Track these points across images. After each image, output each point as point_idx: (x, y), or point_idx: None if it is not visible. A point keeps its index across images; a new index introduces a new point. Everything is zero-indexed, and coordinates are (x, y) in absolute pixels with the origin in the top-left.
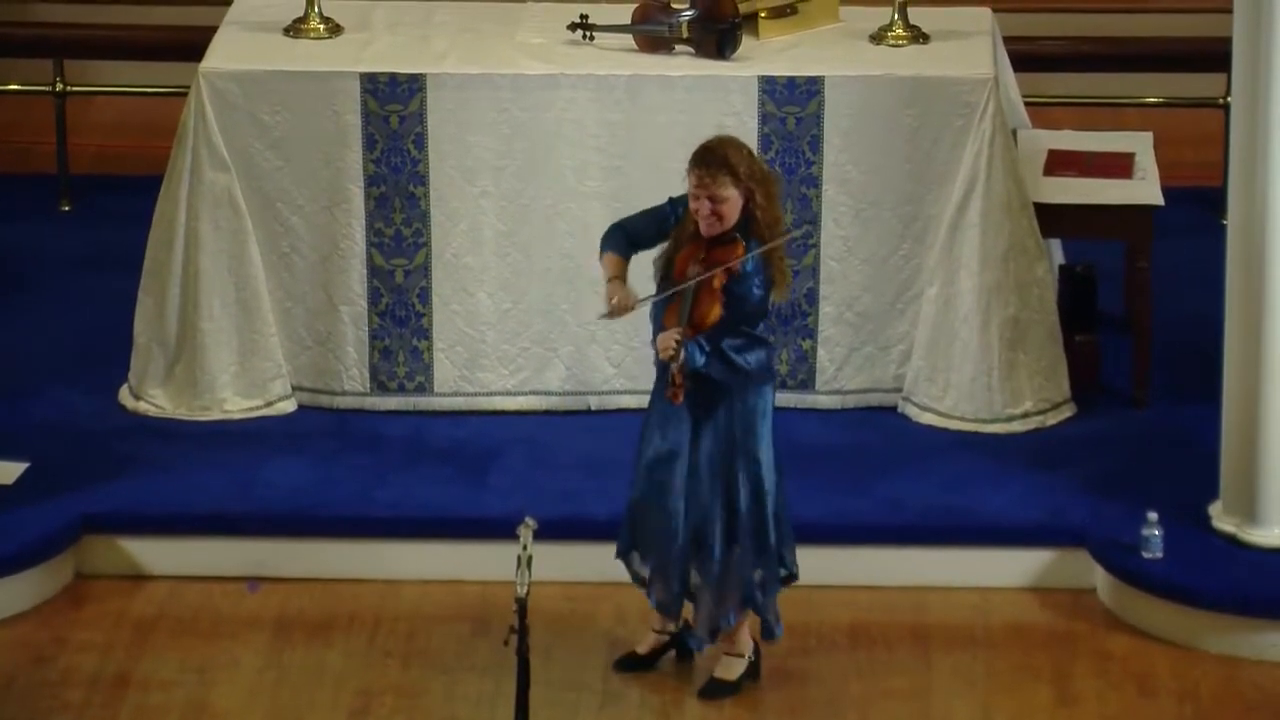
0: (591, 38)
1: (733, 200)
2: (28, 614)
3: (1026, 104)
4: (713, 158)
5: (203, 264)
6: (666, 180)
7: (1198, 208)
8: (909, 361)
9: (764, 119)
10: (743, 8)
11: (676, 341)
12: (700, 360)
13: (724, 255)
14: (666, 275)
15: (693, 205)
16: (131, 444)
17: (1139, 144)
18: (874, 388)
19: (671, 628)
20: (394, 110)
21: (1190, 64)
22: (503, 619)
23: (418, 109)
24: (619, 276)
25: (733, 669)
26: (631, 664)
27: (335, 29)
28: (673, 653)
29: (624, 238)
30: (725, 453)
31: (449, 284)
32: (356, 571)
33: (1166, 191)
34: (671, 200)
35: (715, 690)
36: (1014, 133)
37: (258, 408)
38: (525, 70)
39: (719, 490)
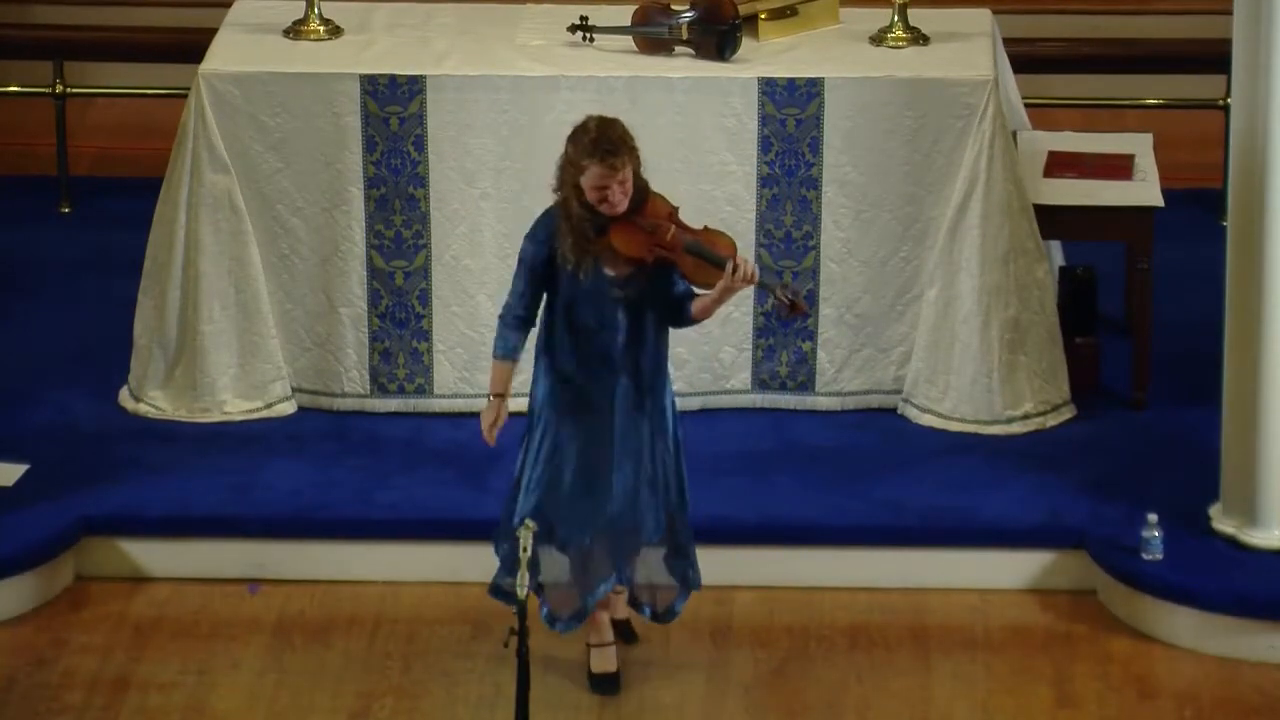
0: (591, 39)
1: (631, 175)
2: (27, 616)
3: (1026, 105)
4: (614, 142)
5: (203, 266)
6: (666, 181)
7: (1198, 209)
8: (909, 363)
9: (764, 121)
10: (742, 9)
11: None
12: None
13: (655, 208)
14: (616, 270)
15: (597, 195)
16: (131, 446)
17: (1139, 145)
18: (874, 389)
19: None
20: (394, 112)
21: (1190, 65)
22: (503, 621)
23: (418, 111)
24: (503, 394)
25: (609, 659)
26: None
27: (335, 31)
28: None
29: (522, 327)
30: (653, 431)
31: (449, 286)
32: (357, 573)
33: (1166, 193)
34: (531, 239)
35: (605, 685)
36: (1014, 134)
37: (258, 410)
38: (525, 72)
39: (660, 472)
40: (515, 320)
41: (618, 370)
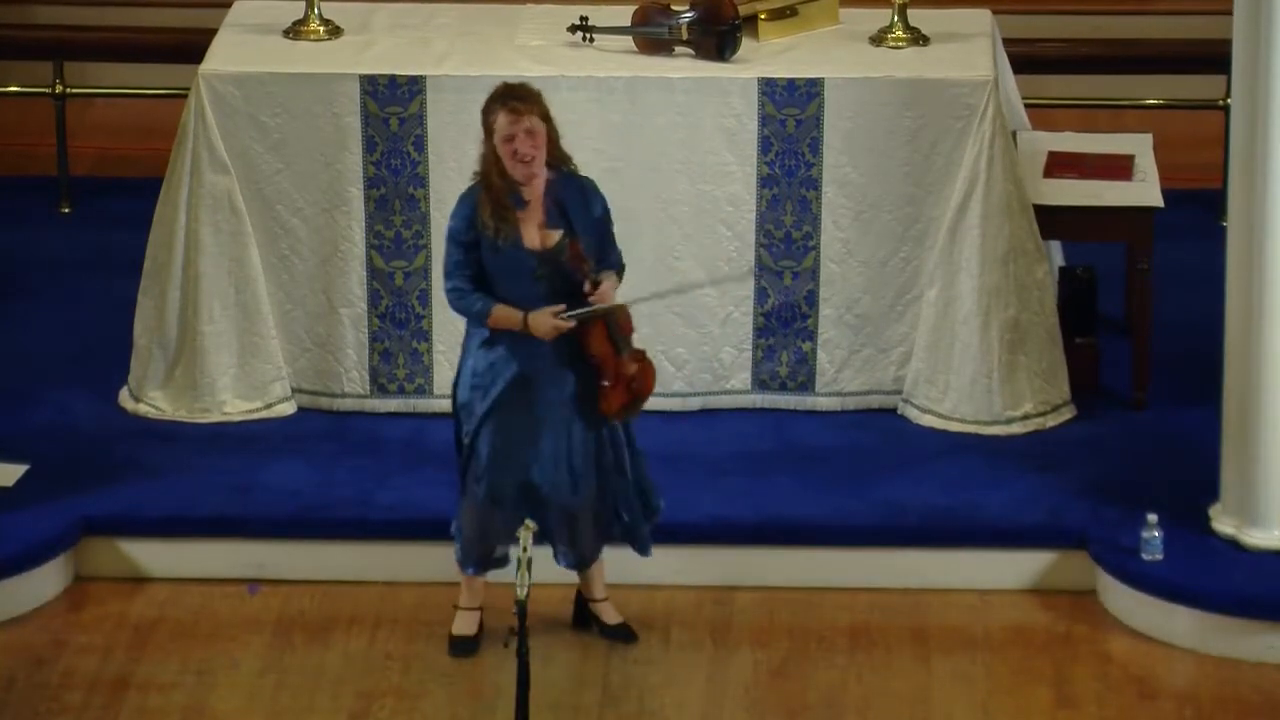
0: (591, 40)
1: (542, 130)
2: (27, 616)
3: (1026, 106)
4: (520, 94)
5: (203, 266)
6: (666, 182)
7: (1198, 209)
8: (909, 363)
9: (764, 121)
10: (742, 10)
11: None
12: None
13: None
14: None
15: (508, 148)
16: (131, 446)
17: (1139, 146)
18: (874, 390)
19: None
20: (394, 112)
21: (1190, 66)
22: (503, 621)
23: (417, 111)
24: (525, 313)
25: (470, 623)
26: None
27: (335, 31)
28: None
29: (477, 286)
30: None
31: None
32: (356, 574)
33: (1166, 193)
34: (454, 217)
35: (462, 647)
36: (1014, 134)
37: (257, 410)
38: (525, 72)
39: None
40: (467, 285)
41: (543, 343)
